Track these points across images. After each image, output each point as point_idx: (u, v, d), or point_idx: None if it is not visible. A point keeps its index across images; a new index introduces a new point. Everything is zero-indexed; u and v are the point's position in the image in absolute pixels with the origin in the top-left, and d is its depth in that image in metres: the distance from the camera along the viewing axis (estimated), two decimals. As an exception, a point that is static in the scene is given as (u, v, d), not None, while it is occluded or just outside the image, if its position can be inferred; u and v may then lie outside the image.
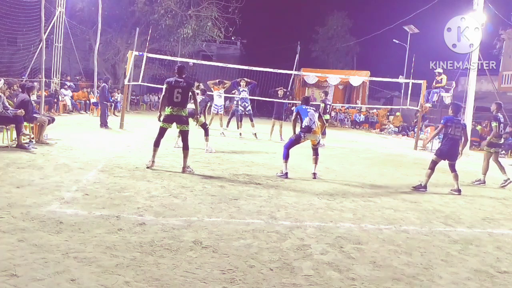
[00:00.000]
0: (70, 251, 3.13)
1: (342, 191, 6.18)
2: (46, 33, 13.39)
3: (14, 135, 7.61)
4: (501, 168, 8.29)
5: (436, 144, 14.71)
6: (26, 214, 3.87)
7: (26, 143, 7.53)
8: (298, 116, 7.16)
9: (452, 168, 7.01)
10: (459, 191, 6.85)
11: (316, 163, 7.23)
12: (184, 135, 6.69)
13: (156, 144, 6.64)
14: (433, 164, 6.92)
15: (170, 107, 6.50)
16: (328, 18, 35.98)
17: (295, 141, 7.10)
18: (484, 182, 8.15)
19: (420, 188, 6.80)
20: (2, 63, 14.32)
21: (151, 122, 15.34)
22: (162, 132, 6.68)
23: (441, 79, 14.81)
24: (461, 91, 18.82)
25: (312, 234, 4.07)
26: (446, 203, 6.01)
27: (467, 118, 14.28)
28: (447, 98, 15.21)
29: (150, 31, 16.33)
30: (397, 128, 22.72)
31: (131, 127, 13.03)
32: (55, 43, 16.66)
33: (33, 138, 8.07)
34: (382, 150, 13.56)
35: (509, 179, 8.03)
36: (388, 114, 25.48)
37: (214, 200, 5.01)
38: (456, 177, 6.95)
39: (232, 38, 33.39)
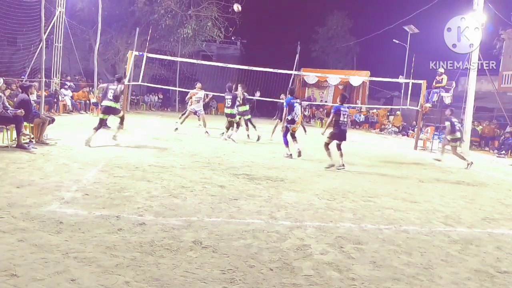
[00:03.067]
0: (70, 251, 3.13)
1: (342, 191, 6.18)
2: (46, 33, 13.39)
3: (14, 135, 7.61)
4: (461, 157, 10.29)
5: (436, 144, 14.80)
6: (26, 214, 3.87)
7: (26, 143, 7.54)
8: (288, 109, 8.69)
9: (339, 147, 8.28)
10: (343, 165, 8.11)
11: (297, 142, 9.07)
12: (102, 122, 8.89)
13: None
14: (327, 145, 8.12)
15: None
16: (328, 18, 35.95)
17: (287, 131, 8.91)
18: (467, 166, 9.93)
19: (331, 167, 7.91)
20: (2, 63, 14.31)
21: (151, 122, 15.35)
22: (102, 122, 8.85)
23: (442, 79, 14.81)
24: (461, 91, 18.80)
25: (312, 234, 4.06)
26: (446, 203, 6.01)
27: (467, 118, 14.28)
28: (447, 98, 15.21)
29: (150, 31, 16.35)
30: (397, 128, 22.71)
31: (131, 127, 13.01)
32: (55, 43, 16.65)
33: (33, 138, 8.07)
34: (382, 150, 13.56)
35: (470, 162, 10.00)
36: (388, 114, 25.47)
37: (214, 200, 5.01)
38: (341, 154, 8.20)
39: (232, 38, 33.37)
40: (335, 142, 8.23)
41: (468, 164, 9.97)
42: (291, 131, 8.99)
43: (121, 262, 3.03)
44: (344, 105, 8.20)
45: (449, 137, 10.31)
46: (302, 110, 9.55)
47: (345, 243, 3.87)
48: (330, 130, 8.19)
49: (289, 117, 8.66)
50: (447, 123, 10.33)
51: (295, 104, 8.64)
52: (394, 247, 3.89)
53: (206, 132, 12.68)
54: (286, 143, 8.83)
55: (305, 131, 15.04)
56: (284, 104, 8.82)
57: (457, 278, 3.30)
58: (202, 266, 3.09)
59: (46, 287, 2.58)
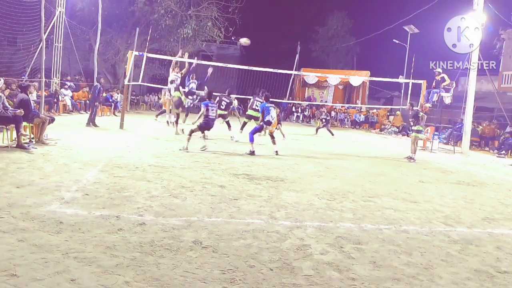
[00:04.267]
0: (70, 251, 3.13)
1: (342, 191, 6.18)
2: (46, 33, 13.38)
3: (14, 135, 7.61)
4: (415, 149, 10.88)
5: (436, 144, 14.81)
6: (26, 214, 3.87)
7: (26, 143, 7.53)
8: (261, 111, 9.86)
9: (204, 132, 9.56)
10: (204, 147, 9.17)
11: (275, 143, 9.88)
12: None
13: None
14: (191, 132, 9.05)
15: None
16: (328, 18, 35.98)
17: (259, 130, 9.92)
18: (415, 160, 10.50)
19: (186, 150, 8.69)
20: (2, 63, 14.31)
21: (151, 122, 15.35)
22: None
23: (442, 77, 14.80)
24: (461, 91, 18.81)
25: (312, 234, 4.06)
26: (446, 203, 6.01)
27: (467, 118, 14.28)
28: (447, 98, 15.22)
29: (150, 31, 16.33)
30: (397, 128, 22.70)
31: (131, 127, 13.03)
32: (55, 43, 16.65)
33: (32, 138, 8.06)
34: (382, 150, 13.56)
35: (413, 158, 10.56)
36: (388, 114, 25.48)
37: (214, 200, 5.01)
38: (205, 137, 9.49)
39: (232, 38, 33.36)
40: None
41: (410, 158, 10.68)
42: (268, 132, 10.33)
43: (121, 262, 3.03)
44: (212, 101, 9.46)
45: (415, 128, 10.95)
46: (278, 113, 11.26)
47: (345, 243, 3.87)
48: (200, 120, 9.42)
49: (266, 119, 9.68)
50: (422, 114, 11.10)
51: (270, 108, 9.72)
52: (394, 247, 3.89)
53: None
54: (252, 140, 9.52)
55: (332, 134, 16.45)
56: (260, 109, 9.93)
57: (457, 278, 3.30)
58: (202, 266, 3.08)
59: (46, 287, 2.58)
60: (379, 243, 3.97)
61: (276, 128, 11.31)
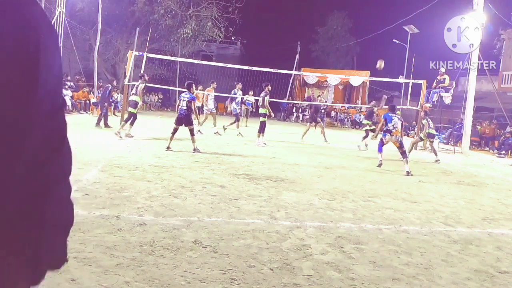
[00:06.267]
0: (70, 251, 3.11)
1: (342, 191, 6.18)
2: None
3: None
4: (435, 151, 11.38)
5: (436, 144, 14.80)
6: (26, 214, 3.86)
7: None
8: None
9: (180, 128, 9.09)
10: (197, 150, 8.78)
11: (406, 161, 9.03)
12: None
13: None
14: (175, 130, 8.88)
15: None
16: (328, 18, 35.97)
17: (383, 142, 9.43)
18: (439, 160, 10.88)
19: (168, 149, 8.60)
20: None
21: (151, 122, 15.34)
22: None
23: (444, 78, 14.81)
24: (461, 91, 18.82)
25: (312, 234, 4.06)
26: (446, 203, 6.01)
27: (467, 118, 14.29)
28: (447, 98, 15.23)
29: (150, 31, 16.35)
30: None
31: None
32: (55, 43, 16.65)
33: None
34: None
35: (439, 160, 10.91)
36: (388, 114, 25.48)
37: (214, 200, 5.01)
38: (193, 139, 8.86)
39: (232, 38, 33.36)
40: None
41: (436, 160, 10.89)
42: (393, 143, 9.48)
43: (121, 262, 3.02)
44: (186, 92, 9.03)
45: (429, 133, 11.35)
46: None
47: (345, 243, 3.87)
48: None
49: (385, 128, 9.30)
50: (425, 121, 11.45)
51: (392, 118, 9.09)
52: (394, 247, 3.89)
53: (217, 132, 12.85)
54: (380, 150, 9.24)
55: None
56: (382, 117, 9.75)
57: (457, 278, 3.30)
58: (202, 266, 3.08)
59: (46, 287, 2.58)
60: (379, 243, 3.97)
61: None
